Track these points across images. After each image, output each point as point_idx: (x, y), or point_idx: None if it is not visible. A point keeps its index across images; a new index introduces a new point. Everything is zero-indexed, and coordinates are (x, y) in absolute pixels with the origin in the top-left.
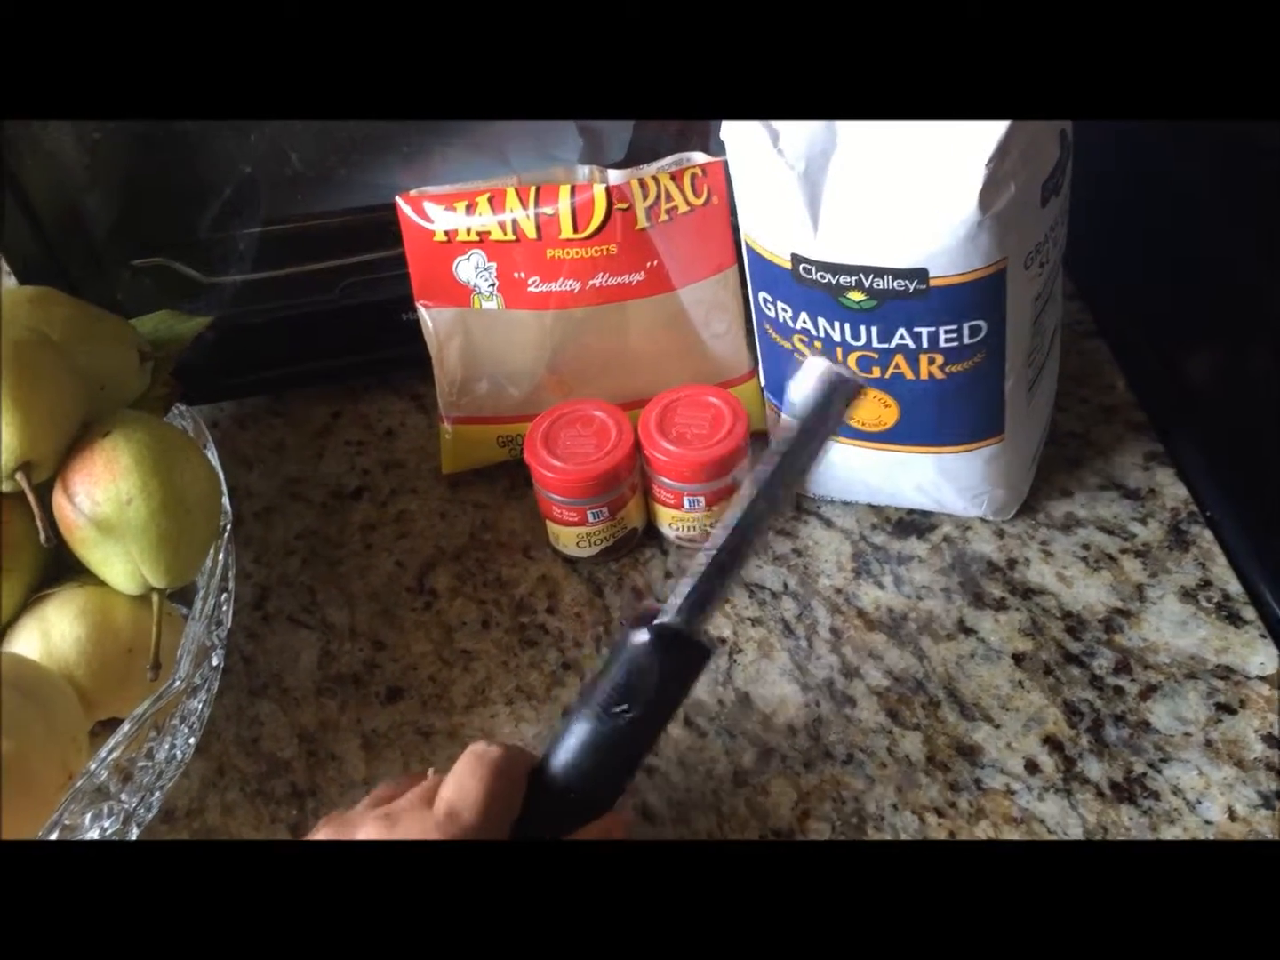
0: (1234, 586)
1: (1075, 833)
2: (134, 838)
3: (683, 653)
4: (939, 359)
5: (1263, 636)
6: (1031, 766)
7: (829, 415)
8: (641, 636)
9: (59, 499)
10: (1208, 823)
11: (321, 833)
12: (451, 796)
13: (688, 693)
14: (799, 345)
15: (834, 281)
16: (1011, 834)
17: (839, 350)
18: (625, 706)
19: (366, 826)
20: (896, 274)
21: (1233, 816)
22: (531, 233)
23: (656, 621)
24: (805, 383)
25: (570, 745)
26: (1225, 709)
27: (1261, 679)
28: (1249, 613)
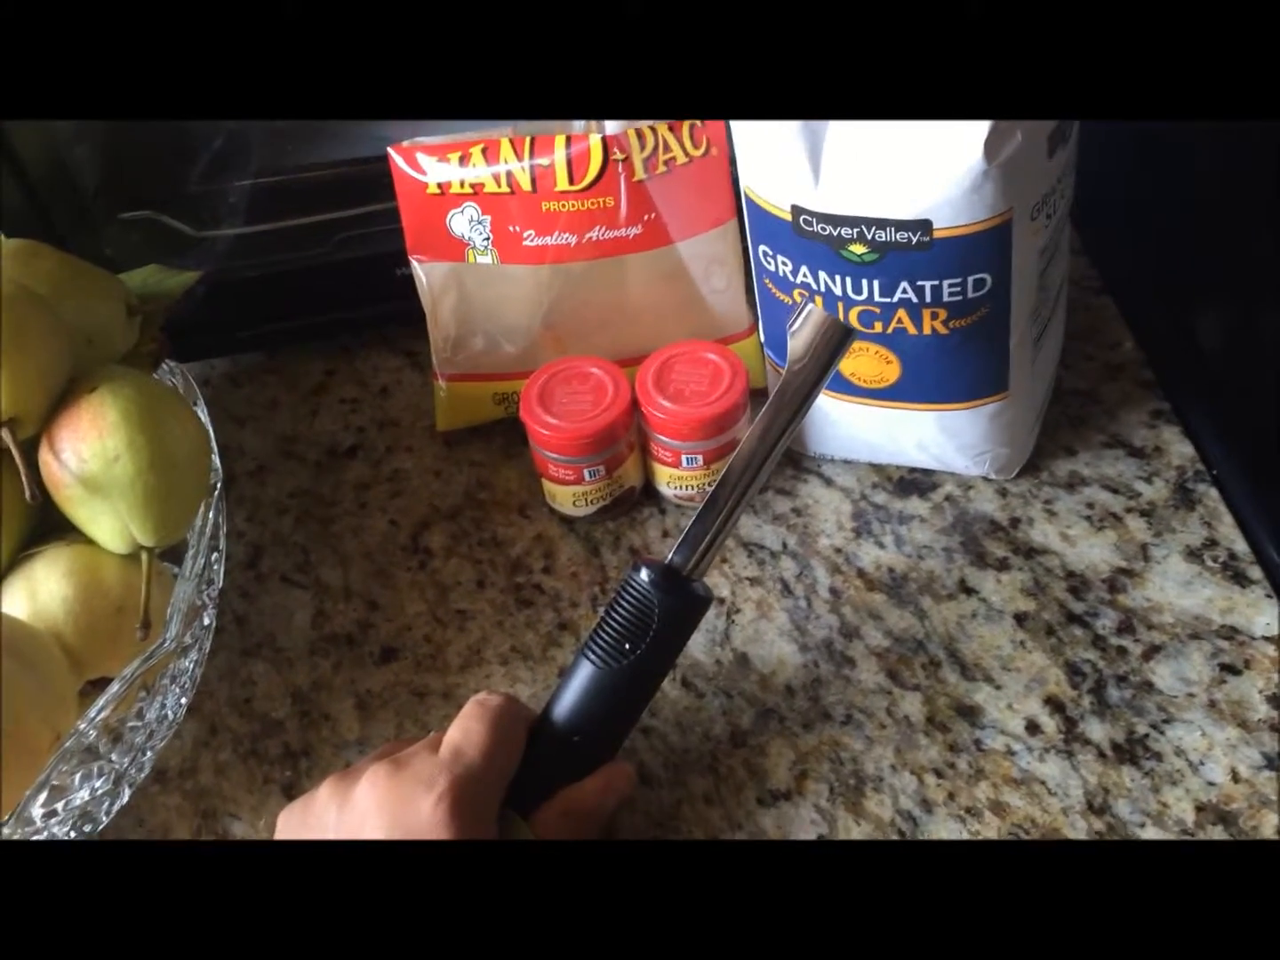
0: (1240, 546)
1: (1076, 794)
2: (125, 799)
3: (683, 594)
4: (942, 313)
5: (1268, 597)
6: (1032, 727)
7: (823, 361)
8: (644, 576)
9: (45, 456)
10: (1210, 784)
11: (325, 786)
12: (457, 738)
13: (688, 636)
14: (799, 299)
15: (835, 234)
16: (1011, 795)
17: (840, 305)
18: (628, 646)
19: (374, 769)
20: (899, 225)
21: (1235, 778)
22: (526, 185)
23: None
24: (801, 328)
25: (574, 688)
26: (1229, 670)
27: (1267, 639)
28: (1255, 572)
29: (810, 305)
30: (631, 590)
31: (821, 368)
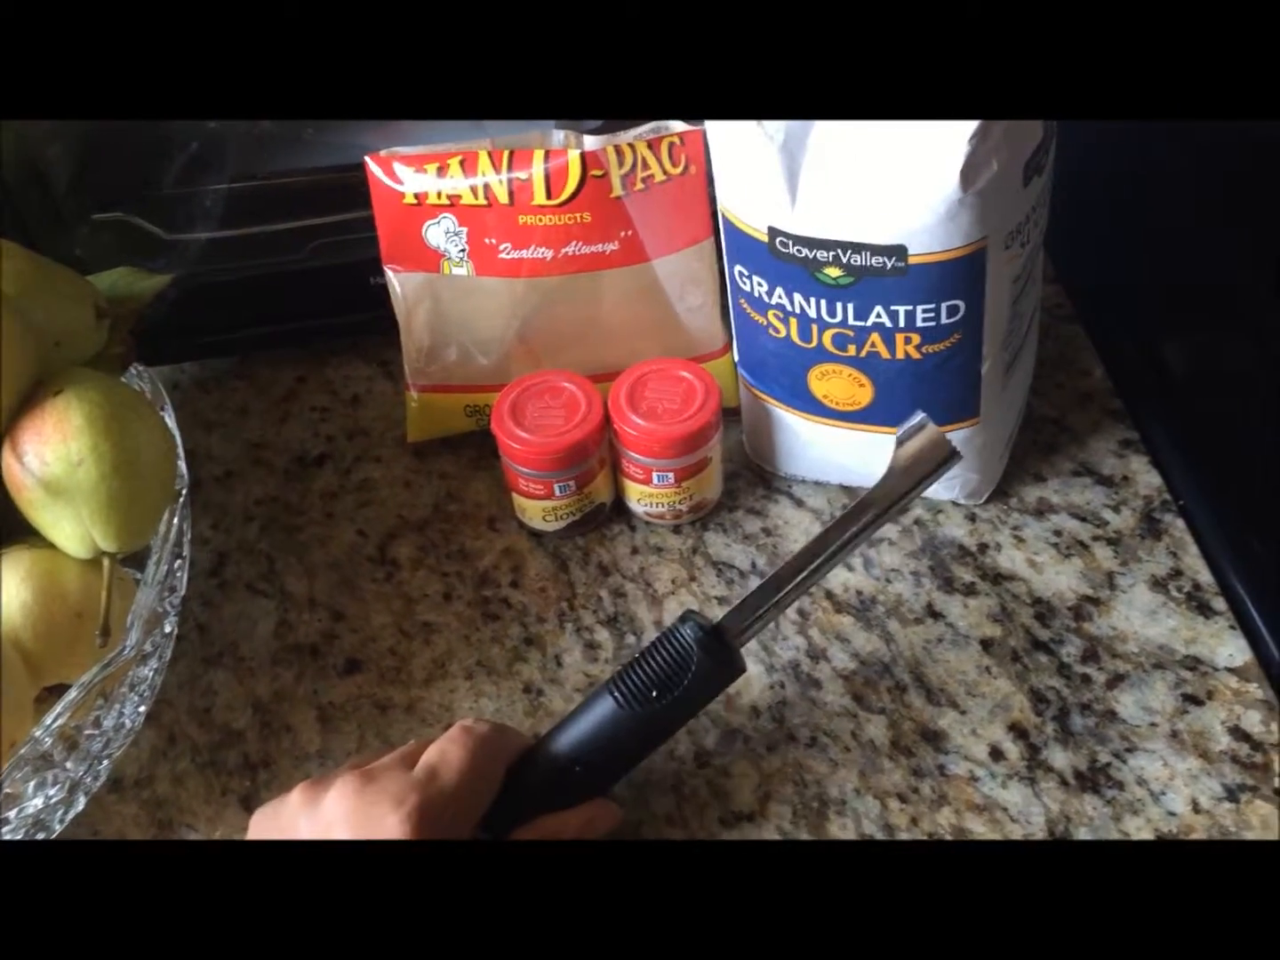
0: (1205, 576)
1: (1038, 821)
2: (80, 807)
3: (724, 656)
4: (915, 339)
5: (1232, 628)
6: (996, 754)
7: (920, 475)
8: (689, 630)
9: (7, 458)
10: (1171, 814)
11: (297, 792)
12: (434, 760)
13: (713, 696)
14: (774, 321)
15: (811, 256)
16: (974, 821)
17: (814, 327)
18: (655, 694)
19: (345, 779)
20: (875, 250)
21: (1196, 809)
22: (504, 198)
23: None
24: (910, 440)
25: (590, 720)
26: (1192, 700)
27: (1230, 670)
28: (1219, 603)
29: (924, 417)
30: (675, 640)
31: (917, 481)
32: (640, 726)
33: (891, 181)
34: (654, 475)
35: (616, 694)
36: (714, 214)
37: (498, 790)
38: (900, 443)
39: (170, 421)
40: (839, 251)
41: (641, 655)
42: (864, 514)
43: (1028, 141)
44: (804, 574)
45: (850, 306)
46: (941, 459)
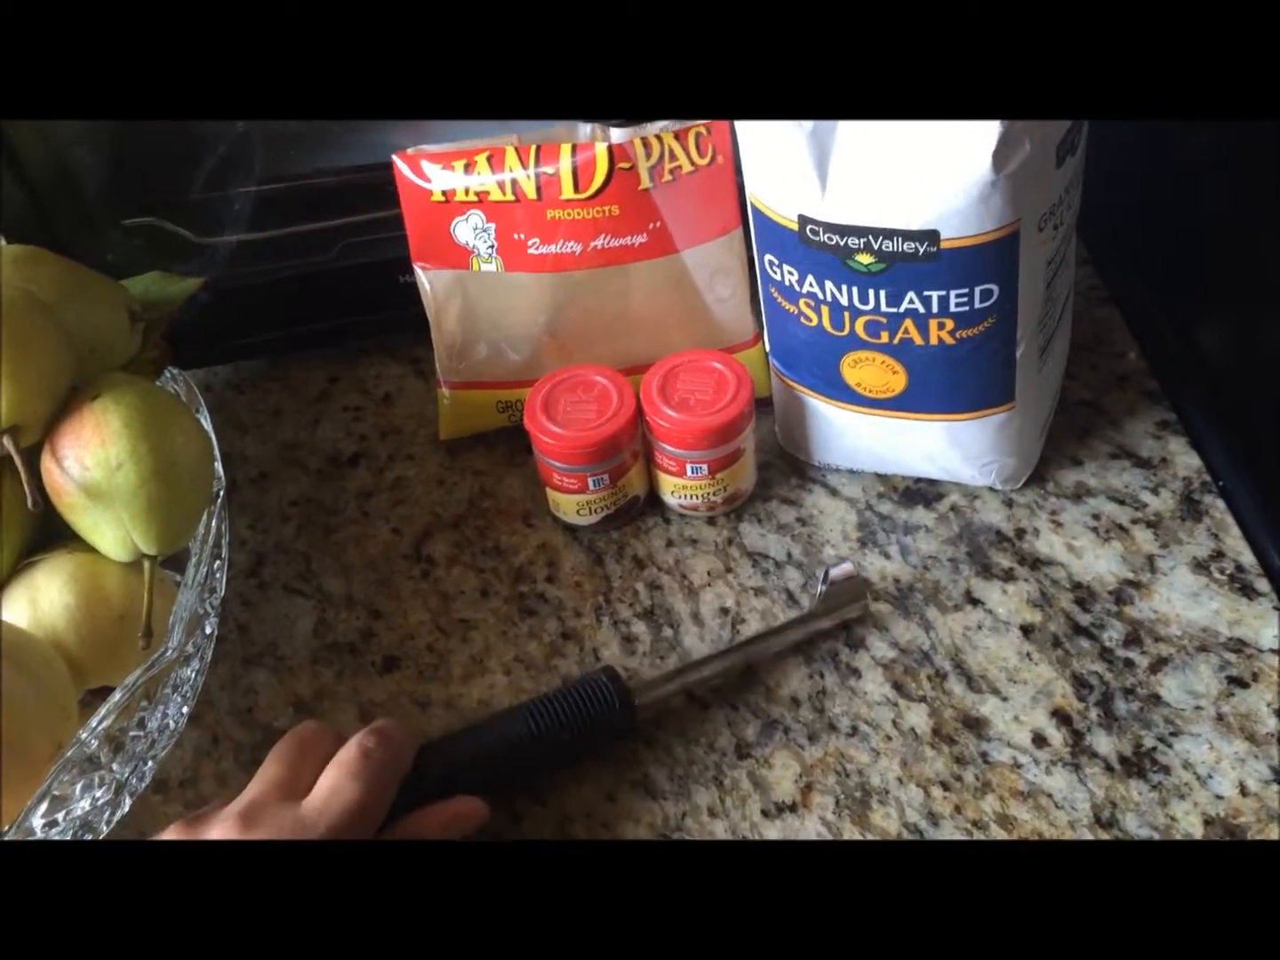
0: (1247, 558)
1: (1083, 807)
2: (126, 808)
3: (627, 712)
4: (949, 324)
5: (1276, 609)
6: (1039, 740)
7: (835, 609)
8: (613, 683)
9: (48, 463)
10: (1218, 797)
11: (170, 835)
12: (325, 796)
13: (601, 747)
14: (805, 309)
15: (842, 243)
16: (1018, 809)
17: (846, 314)
18: (565, 729)
19: (222, 826)
20: (906, 236)
21: (1244, 791)
22: (531, 193)
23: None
24: (832, 585)
25: (498, 738)
26: (1237, 682)
27: (1274, 652)
28: (1262, 584)
29: (847, 565)
30: (598, 687)
31: (833, 615)
32: (542, 754)
33: (922, 166)
34: (687, 467)
35: (533, 722)
36: (742, 204)
37: (387, 810)
38: (828, 580)
39: (206, 424)
40: (870, 238)
41: (562, 693)
42: (783, 634)
43: (1059, 122)
44: (706, 672)
45: (882, 293)
46: (859, 601)
